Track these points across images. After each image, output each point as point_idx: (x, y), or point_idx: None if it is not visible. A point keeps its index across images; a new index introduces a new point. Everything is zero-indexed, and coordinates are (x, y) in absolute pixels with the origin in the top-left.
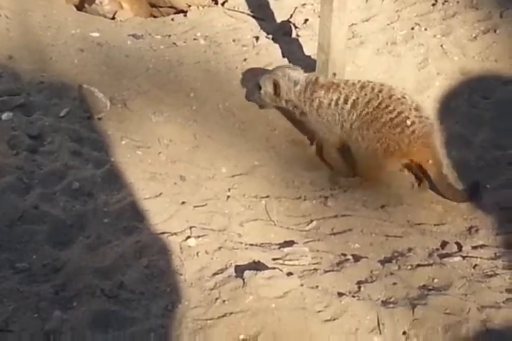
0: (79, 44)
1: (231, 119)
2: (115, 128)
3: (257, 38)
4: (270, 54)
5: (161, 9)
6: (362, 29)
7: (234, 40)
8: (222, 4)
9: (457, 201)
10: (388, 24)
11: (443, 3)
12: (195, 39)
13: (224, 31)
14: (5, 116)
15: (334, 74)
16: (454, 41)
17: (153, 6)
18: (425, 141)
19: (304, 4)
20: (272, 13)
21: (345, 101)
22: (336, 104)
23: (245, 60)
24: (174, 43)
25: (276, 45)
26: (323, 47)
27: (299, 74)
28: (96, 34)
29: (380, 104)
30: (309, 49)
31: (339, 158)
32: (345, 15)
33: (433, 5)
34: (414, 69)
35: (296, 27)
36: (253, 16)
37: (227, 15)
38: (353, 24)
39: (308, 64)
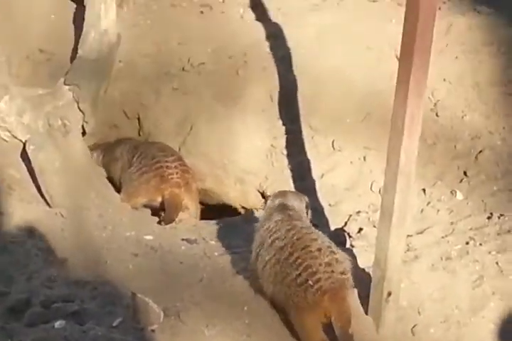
0: (133, 248)
1: (285, 334)
2: None
3: None
4: None
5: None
6: (417, 242)
7: None
8: None
9: None
10: (443, 237)
11: (498, 217)
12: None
13: None
14: (58, 324)
15: (389, 292)
16: (510, 259)
17: (205, 205)
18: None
19: (359, 212)
20: (327, 219)
21: (270, 236)
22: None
23: None
24: (228, 250)
25: None
26: (380, 263)
27: None
28: (150, 237)
29: (290, 255)
30: (363, 261)
31: None
32: (404, 233)
33: (488, 218)
34: (468, 287)
35: (350, 236)
36: None
37: None
38: (408, 236)
39: (362, 277)
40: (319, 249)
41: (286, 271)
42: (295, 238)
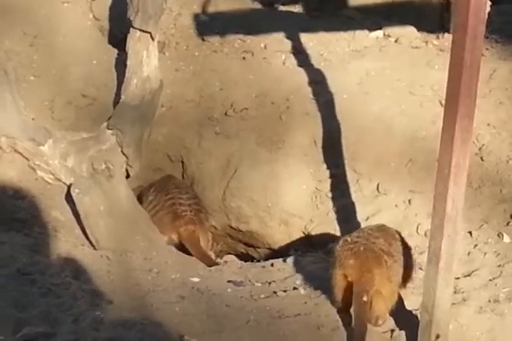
0: (179, 290)
1: None
2: None
3: None
4: None
5: (258, 250)
6: (464, 284)
7: None
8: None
9: None
10: (490, 280)
11: None
12: (295, 288)
13: None
14: None
15: (438, 335)
16: None
17: (249, 245)
18: None
19: None
20: None
21: None
22: None
23: None
24: (275, 292)
25: None
26: (427, 308)
27: None
28: (196, 279)
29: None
30: (410, 303)
31: None
32: (451, 277)
33: None
34: None
35: None
36: None
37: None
38: (455, 278)
39: (409, 319)
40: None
41: None
42: None
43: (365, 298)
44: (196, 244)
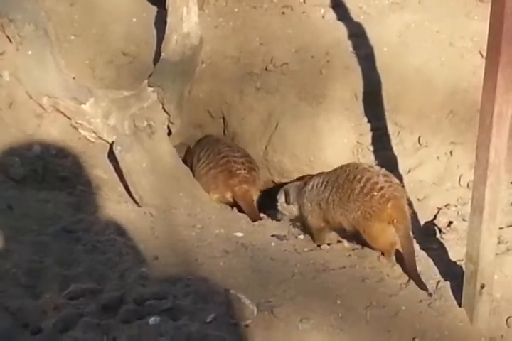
0: (224, 245)
1: (378, 328)
2: (262, 337)
3: None
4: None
5: None
6: (508, 234)
7: None
8: None
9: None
10: None
11: None
12: (339, 241)
13: None
14: (152, 320)
15: (483, 285)
16: None
17: None
18: (396, 203)
19: (448, 205)
20: (416, 214)
21: (321, 183)
22: (314, 187)
23: None
24: (318, 245)
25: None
26: (472, 258)
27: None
28: (240, 234)
29: (348, 175)
30: (454, 254)
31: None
32: (495, 227)
33: None
34: None
35: (440, 230)
36: None
37: None
38: (498, 228)
39: (454, 270)
40: (371, 166)
41: (350, 187)
42: (344, 167)
43: None
44: (250, 202)
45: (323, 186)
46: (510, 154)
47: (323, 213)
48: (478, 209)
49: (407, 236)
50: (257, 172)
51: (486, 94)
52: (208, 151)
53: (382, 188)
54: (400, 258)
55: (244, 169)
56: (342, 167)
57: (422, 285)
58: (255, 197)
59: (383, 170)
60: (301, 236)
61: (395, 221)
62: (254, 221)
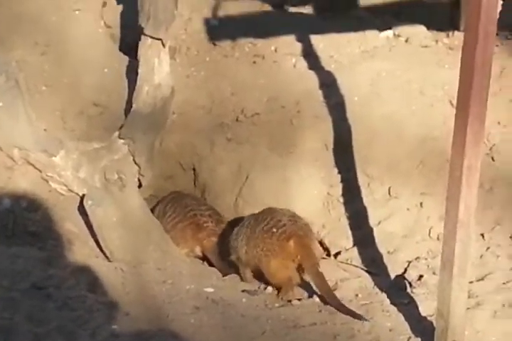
0: (194, 301)
1: None
2: None
3: None
4: None
5: None
6: (477, 289)
7: None
8: (335, 256)
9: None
10: (504, 283)
11: None
12: (309, 296)
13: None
14: None
15: None
16: None
17: None
18: (298, 240)
19: (418, 258)
20: (386, 267)
21: (240, 226)
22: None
23: None
24: (289, 301)
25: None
26: (443, 314)
27: None
28: (210, 289)
29: (257, 217)
30: (425, 309)
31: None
32: (465, 282)
33: None
34: None
35: (410, 284)
36: (367, 271)
37: (340, 268)
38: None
39: (424, 325)
40: (281, 209)
41: (255, 227)
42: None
43: None
44: (218, 255)
45: (241, 228)
46: (480, 206)
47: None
48: (448, 264)
49: (316, 273)
50: (224, 225)
51: (455, 148)
52: (173, 205)
53: (284, 225)
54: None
55: (212, 222)
56: (262, 211)
57: (352, 314)
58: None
59: (292, 212)
60: (269, 289)
61: (298, 257)
62: (224, 275)
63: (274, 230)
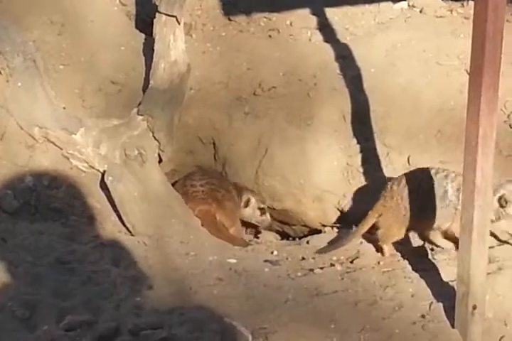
0: (217, 273)
1: None
2: None
3: None
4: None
5: (293, 227)
6: (499, 253)
7: None
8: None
9: None
10: None
11: None
12: (331, 265)
13: None
14: None
15: (474, 306)
16: None
17: (284, 223)
18: None
19: None
20: (407, 234)
21: None
22: None
23: None
24: (311, 270)
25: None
26: (463, 279)
27: None
28: (233, 260)
29: None
30: (447, 275)
31: None
32: (485, 248)
33: None
34: None
35: (432, 250)
36: None
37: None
38: (489, 247)
39: (446, 291)
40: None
41: None
42: None
43: None
44: (213, 225)
45: None
46: (498, 172)
47: None
48: (467, 230)
49: None
50: (223, 194)
51: (470, 117)
52: (181, 178)
53: None
54: None
55: (203, 191)
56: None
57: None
58: (226, 218)
59: None
60: (295, 261)
61: None
62: (234, 244)
63: None
